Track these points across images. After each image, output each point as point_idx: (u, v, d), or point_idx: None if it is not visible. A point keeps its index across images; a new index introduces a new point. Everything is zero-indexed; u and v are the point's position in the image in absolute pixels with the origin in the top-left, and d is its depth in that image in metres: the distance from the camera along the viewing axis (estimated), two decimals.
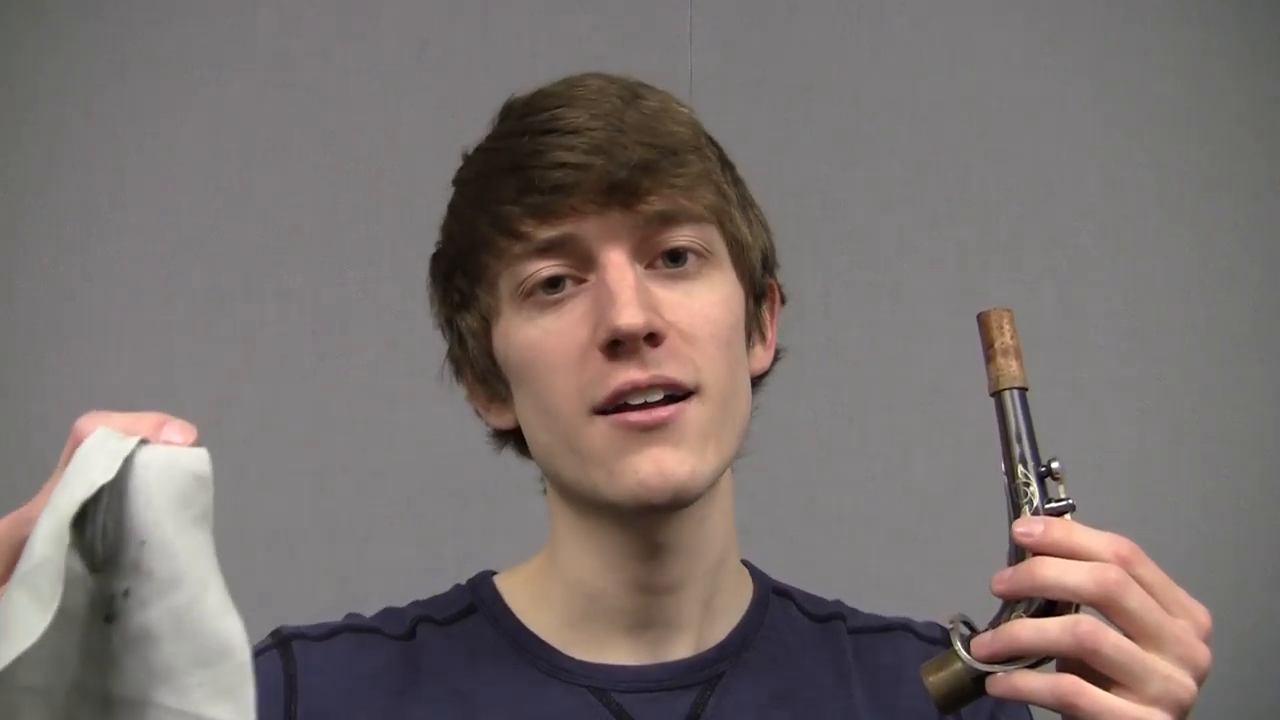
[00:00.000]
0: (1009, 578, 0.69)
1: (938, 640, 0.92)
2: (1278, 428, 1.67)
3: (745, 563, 0.95)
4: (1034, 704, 0.69)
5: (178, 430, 0.58)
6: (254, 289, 1.63)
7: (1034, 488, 0.71)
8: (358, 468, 1.60)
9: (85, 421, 0.58)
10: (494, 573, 0.93)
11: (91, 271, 1.62)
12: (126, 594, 0.54)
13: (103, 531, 0.54)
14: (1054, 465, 0.71)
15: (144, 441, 0.56)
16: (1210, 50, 1.71)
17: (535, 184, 0.81)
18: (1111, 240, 1.69)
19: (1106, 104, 1.71)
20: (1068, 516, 0.71)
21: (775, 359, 0.93)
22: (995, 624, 0.70)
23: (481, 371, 0.89)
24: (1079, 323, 1.68)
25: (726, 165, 0.88)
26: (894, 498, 1.64)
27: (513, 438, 0.91)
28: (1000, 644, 0.68)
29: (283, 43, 1.68)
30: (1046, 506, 0.71)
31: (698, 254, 0.83)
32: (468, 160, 0.90)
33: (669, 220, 0.82)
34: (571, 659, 0.87)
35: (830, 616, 0.94)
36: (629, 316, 0.78)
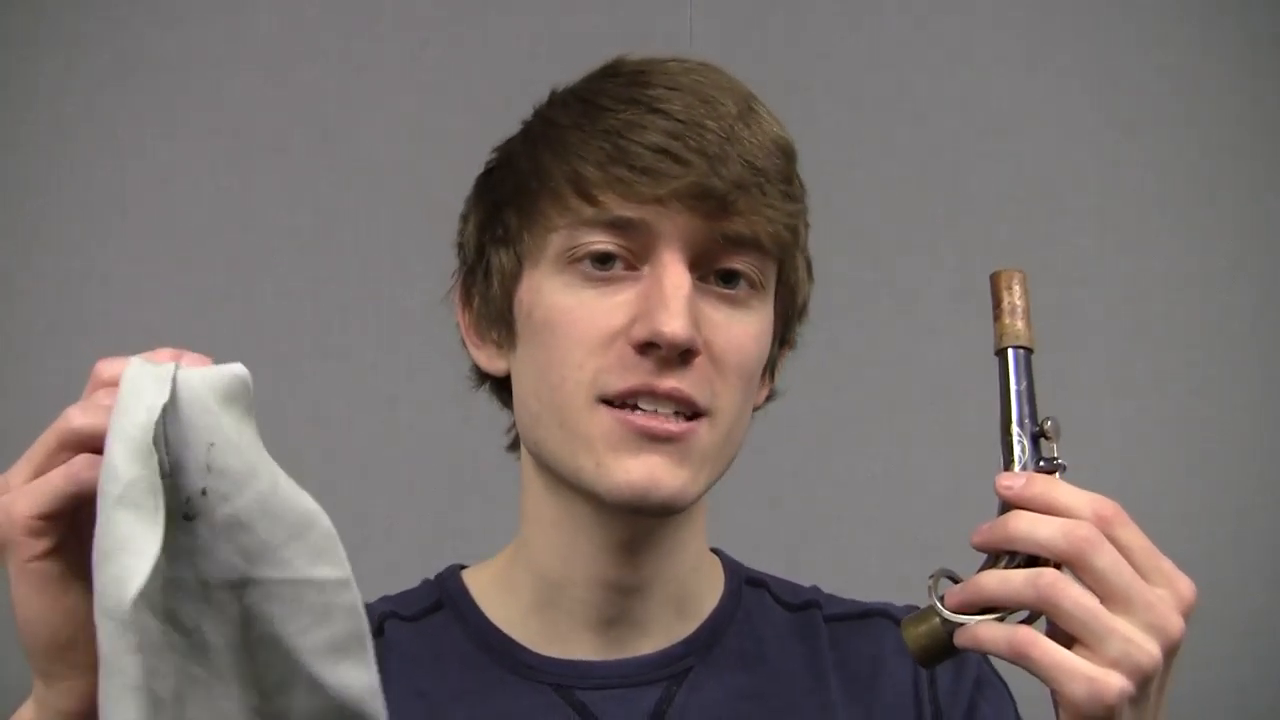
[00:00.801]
0: (986, 530, 0.68)
1: None
2: (1278, 428, 1.67)
3: (717, 552, 0.93)
4: (991, 654, 0.68)
5: (195, 360, 0.61)
6: (254, 289, 1.63)
7: (1025, 445, 0.70)
8: (358, 467, 1.60)
9: (104, 364, 0.61)
10: (463, 566, 0.92)
11: (91, 271, 1.62)
12: (204, 493, 0.59)
13: (165, 442, 0.59)
14: (1047, 425, 0.71)
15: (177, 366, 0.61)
16: (1210, 50, 1.71)
17: (627, 158, 0.79)
18: (1111, 240, 1.69)
19: (1106, 104, 1.71)
20: (1057, 476, 0.70)
21: (769, 398, 0.91)
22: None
23: (493, 311, 0.86)
24: (1078, 323, 1.68)
25: (805, 205, 0.87)
26: (894, 498, 1.64)
27: (493, 382, 0.89)
28: (967, 594, 0.68)
29: (283, 43, 1.68)
30: (1037, 466, 0.71)
31: (751, 283, 0.82)
32: (557, 98, 0.86)
33: (738, 243, 0.80)
34: (535, 654, 0.86)
35: (806, 605, 0.92)
36: (677, 327, 0.77)
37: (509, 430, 0.91)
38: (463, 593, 0.89)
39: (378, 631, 0.87)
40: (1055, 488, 0.68)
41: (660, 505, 0.79)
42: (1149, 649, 0.64)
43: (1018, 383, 0.72)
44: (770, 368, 0.89)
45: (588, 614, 0.85)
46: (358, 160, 1.66)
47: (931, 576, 0.71)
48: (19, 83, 1.64)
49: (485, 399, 0.93)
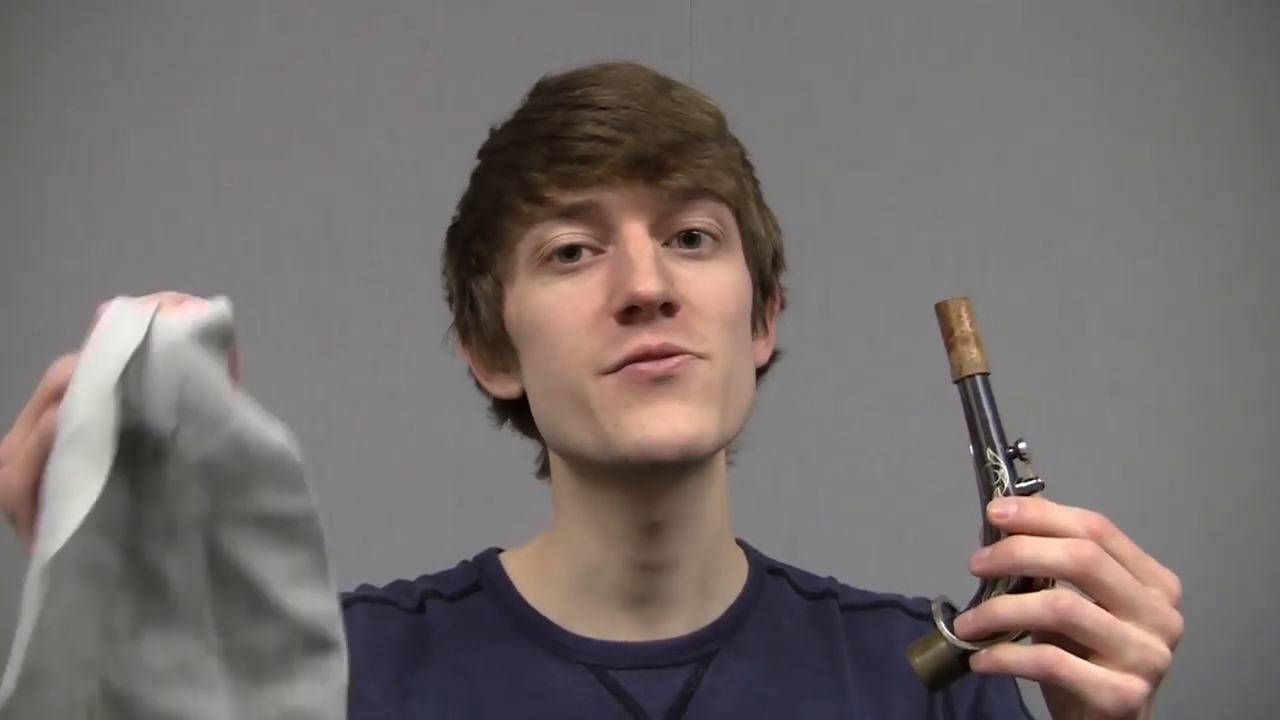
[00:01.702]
0: (988, 557, 0.70)
1: (927, 616, 0.93)
2: (1278, 428, 1.67)
3: (740, 542, 0.97)
4: (1018, 676, 0.71)
5: (189, 305, 0.64)
6: (254, 289, 1.63)
7: (1003, 470, 0.72)
8: (358, 468, 1.60)
9: (104, 306, 0.63)
10: (500, 550, 0.96)
11: (91, 271, 1.62)
12: (175, 434, 0.59)
13: (140, 384, 0.59)
14: (1021, 446, 0.72)
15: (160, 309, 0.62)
16: (1210, 50, 1.71)
17: (564, 153, 0.83)
18: (1111, 240, 1.69)
19: (1106, 104, 1.71)
20: (1038, 495, 0.72)
21: (773, 359, 0.94)
22: (976, 603, 0.72)
23: (490, 338, 0.90)
24: (1079, 323, 1.68)
25: (746, 163, 0.91)
26: (894, 498, 1.64)
27: (513, 411, 0.92)
28: (983, 621, 0.70)
29: (283, 43, 1.68)
30: (1017, 486, 0.72)
31: (713, 236, 0.86)
32: (496, 132, 0.92)
33: (690, 197, 0.84)
34: (570, 635, 0.89)
35: (823, 594, 0.96)
36: (649, 284, 0.81)
37: (537, 459, 0.94)
38: (500, 574, 0.93)
39: (419, 608, 0.92)
40: (1047, 510, 0.70)
41: (680, 450, 0.82)
42: (1160, 650, 0.69)
43: (982, 410, 0.74)
44: (761, 321, 0.92)
45: (620, 593, 0.89)
46: (358, 160, 1.66)
47: (933, 602, 0.73)
48: (19, 83, 1.64)
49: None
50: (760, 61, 1.70)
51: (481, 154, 0.92)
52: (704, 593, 0.91)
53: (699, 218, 0.85)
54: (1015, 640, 0.70)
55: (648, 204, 0.83)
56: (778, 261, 0.93)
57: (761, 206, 0.91)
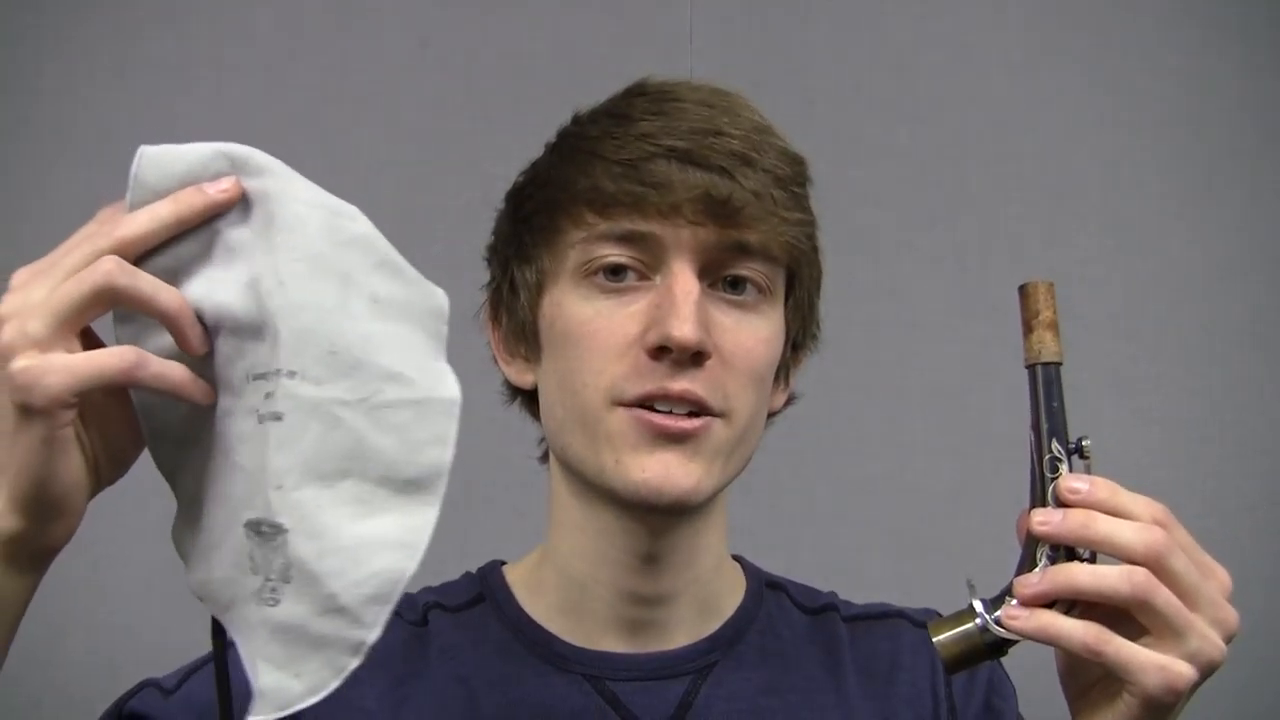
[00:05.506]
0: (1058, 522, 0.69)
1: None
2: (1278, 428, 1.67)
3: (737, 558, 0.96)
4: (1061, 646, 0.69)
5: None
6: None
7: (1065, 464, 0.71)
8: None
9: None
10: (503, 562, 0.96)
11: None
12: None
13: None
14: (1085, 444, 0.72)
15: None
16: (1210, 50, 1.71)
17: (643, 173, 0.82)
18: (1111, 240, 1.69)
19: (1106, 104, 1.71)
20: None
21: (788, 402, 0.94)
22: (1006, 588, 0.71)
23: (519, 326, 0.89)
24: (1078, 323, 1.67)
25: (810, 213, 0.89)
26: (894, 498, 1.64)
27: (524, 396, 0.92)
28: (1051, 584, 0.69)
29: (283, 42, 1.68)
30: None
31: (760, 288, 0.85)
32: (582, 119, 0.89)
33: (747, 251, 0.83)
34: (569, 645, 0.89)
35: (824, 608, 0.96)
36: (687, 330, 0.80)
37: (540, 442, 0.94)
38: (502, 587, 0.93)
39: (422, 621, 0.92)
40: (1119, 492, 0.70)
41: (674, 501, 0.82)
42: (1218, 643, 0.69)
43: (1050, 400, 0.72)
44: (784, 372, 0.92)
45: (613, 617, 0.89)
46: (358, 160, 1.66)
47: (968, 580, 0.73)
48: (19, 83, 1.64)
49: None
50: (760, 61, 1.70)
51: (564, 134, 0.89)
52: (701, 613, 0.91)
53: (749, 269, 0.84)
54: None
55: (707, 248, 0.82)
56: (816, 322, 0.92)
57: (816, 265, 0.90)
